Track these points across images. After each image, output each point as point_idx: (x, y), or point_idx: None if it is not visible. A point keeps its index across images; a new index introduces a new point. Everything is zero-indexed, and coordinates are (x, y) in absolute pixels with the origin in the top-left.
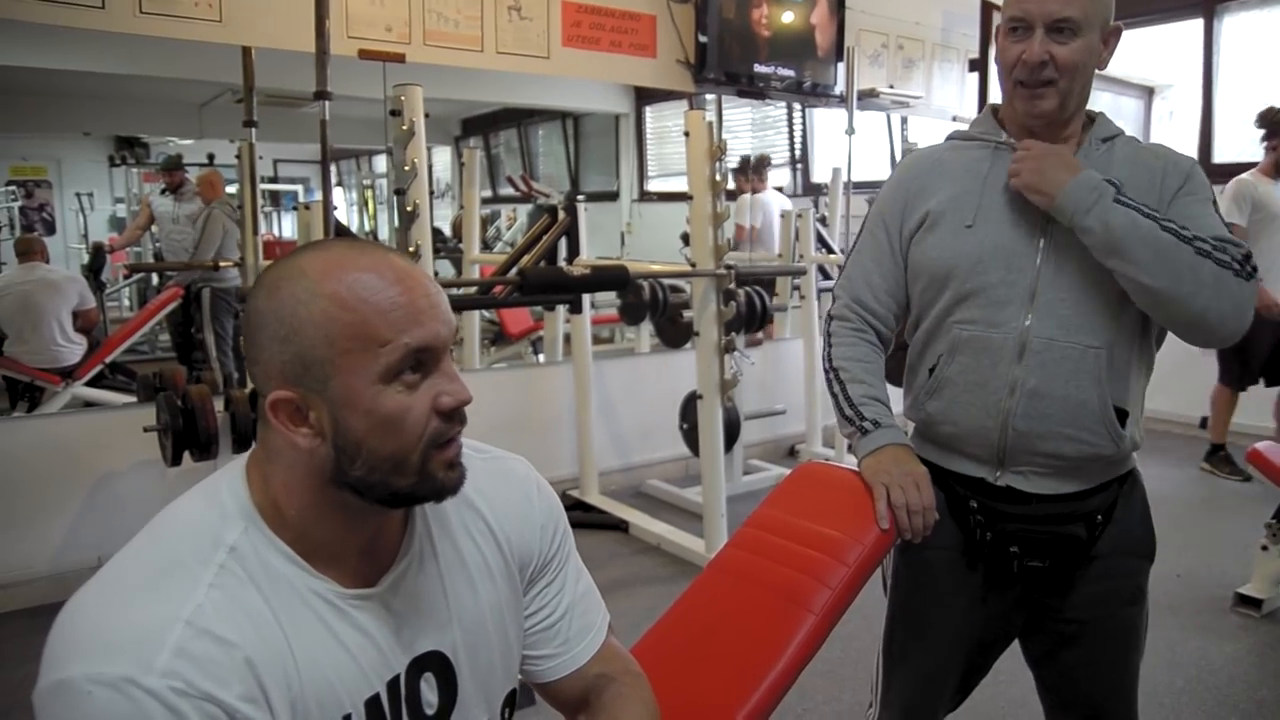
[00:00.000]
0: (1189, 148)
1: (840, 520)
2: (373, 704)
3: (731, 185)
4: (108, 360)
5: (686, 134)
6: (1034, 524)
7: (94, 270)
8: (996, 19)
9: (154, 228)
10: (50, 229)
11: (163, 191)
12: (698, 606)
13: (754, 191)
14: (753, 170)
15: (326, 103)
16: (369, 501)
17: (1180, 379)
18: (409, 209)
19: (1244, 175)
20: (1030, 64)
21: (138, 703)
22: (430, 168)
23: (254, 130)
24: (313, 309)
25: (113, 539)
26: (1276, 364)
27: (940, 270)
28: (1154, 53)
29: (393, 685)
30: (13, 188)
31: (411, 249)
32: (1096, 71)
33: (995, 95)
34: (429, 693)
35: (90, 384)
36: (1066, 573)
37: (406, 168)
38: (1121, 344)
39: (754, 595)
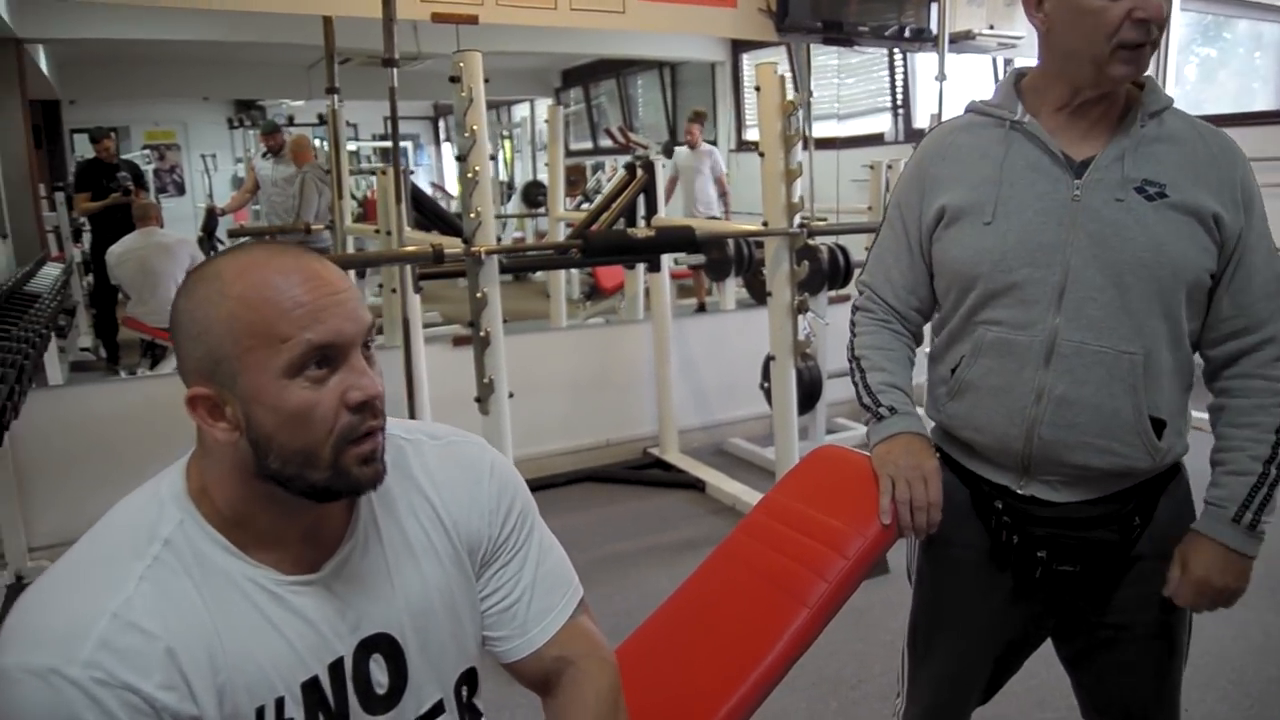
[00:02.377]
0: None
1: (846, 510)
2: (310, 686)
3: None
4: None
5: (758, 88)
6: (1063, 528)
7: (208, 231)
8: None
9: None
10: (180, 189)
11: (264, 155)
12: (700, 593)
13: (693, 146)
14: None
15: (394, 70)
16: (294, 494)
17: None
18: (469, 175)
19: None
20: (1151, 18)
21: (60, 691)
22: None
23: (336, 96)
24: (220, 309)
25: None
26: None
27: (963, 271)
28: None
29: (335, 667)
30: (148, 151)
31: (472, 215)
32: None
33: None
34: (379, 673)
35: None
36: (1101, 577)
37: (467, 134)
38: (1159, 348)
39: (754, 585)
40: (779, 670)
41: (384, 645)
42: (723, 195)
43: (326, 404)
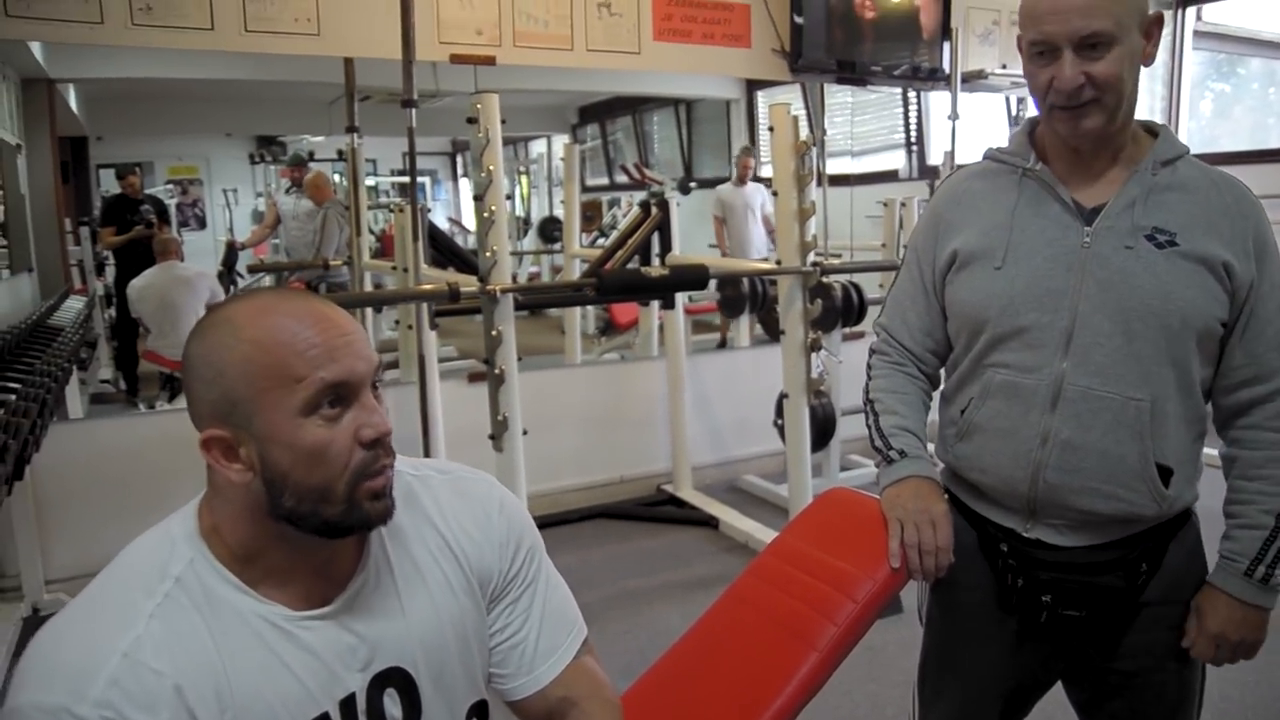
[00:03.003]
0: None
1: (855, 553)
2: None
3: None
4: None
5: (771, 129)
6: (1068, 573)
7: (228, 265)
8: None
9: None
10: (202, 224)
11: (287, 190)
12: (709, 636)
13: (742, 181)
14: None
15: (413, 110)
16: (306, 532)
17: None
18: (485, 215)
19: None
20: (1064, 90)
21: None
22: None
23: (356, 135)
24: (235, 353)
25: None
26: None
27: (972, 315)
28: None
29: (346, 703)
30: (171, 186)
31: (487, 253)
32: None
33: None
34: (393, 708)
35: None
36: (1108, 622)
37: (483, 174)
38: (1168, 396)
39: (763, 628)
40: (787, 714)
41: (397, 679)
42: (770, 233)
43: (341, 441)
